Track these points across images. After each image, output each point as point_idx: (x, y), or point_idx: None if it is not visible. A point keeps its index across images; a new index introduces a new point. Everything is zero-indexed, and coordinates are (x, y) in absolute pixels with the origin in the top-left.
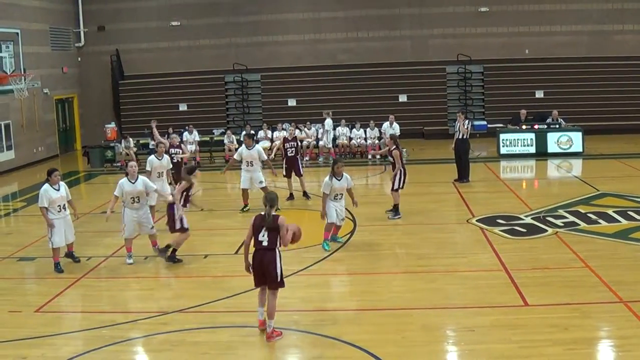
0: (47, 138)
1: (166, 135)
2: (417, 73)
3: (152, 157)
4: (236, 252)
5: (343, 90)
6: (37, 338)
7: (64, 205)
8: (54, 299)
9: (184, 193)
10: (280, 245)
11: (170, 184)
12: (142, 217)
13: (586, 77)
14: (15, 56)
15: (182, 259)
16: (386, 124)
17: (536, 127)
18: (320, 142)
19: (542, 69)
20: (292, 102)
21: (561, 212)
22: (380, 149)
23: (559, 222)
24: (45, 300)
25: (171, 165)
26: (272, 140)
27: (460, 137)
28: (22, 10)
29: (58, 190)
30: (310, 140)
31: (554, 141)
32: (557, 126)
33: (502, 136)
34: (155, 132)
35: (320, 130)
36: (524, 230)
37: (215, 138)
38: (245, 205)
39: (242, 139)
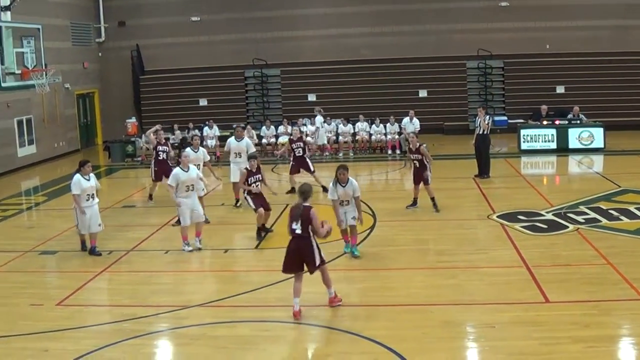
0: (68, 133)
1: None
2: (438, 68)
3: (188, 150)
4: (256, 247)
5: (362, 85)
6: (58, 331)
7: (93, 194)
8: (75, 292)
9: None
10: (312, 235)
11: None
12: (195, 205)
13: (607, 73)
14: (37, 51)
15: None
16: (406, 119)
17: (557, 122)
18: (310, 139)
19: (563, 64)
20: (312, 97)
21: (582, 208)
22: (400, 144)
23: (580, 218)
24: (66, 293)
25: (208, 157)
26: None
27: (480, 132)
28: (43, 5)
29: (88, 180)
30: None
31: (575, 137)
32: (578, 122)
33: (523, 132)
34: (152, 137)
35: (312, 127)
36: (545, 226)
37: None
38: (238, 200)
39: (261, 133)
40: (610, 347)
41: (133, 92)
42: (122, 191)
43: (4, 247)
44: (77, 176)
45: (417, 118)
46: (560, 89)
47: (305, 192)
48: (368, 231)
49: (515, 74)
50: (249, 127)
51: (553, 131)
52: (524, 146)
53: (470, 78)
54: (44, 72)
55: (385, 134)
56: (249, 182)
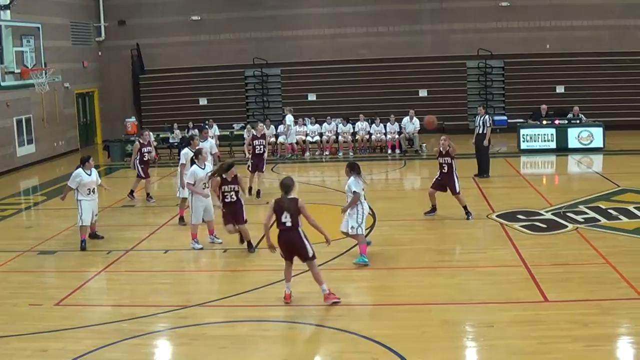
0: (68, 132)
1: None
2: (438, 68)
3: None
4: (255, 247)
5: (363, 84)
6: (57, 331)
7: (94, 189)
8: (74, 292)
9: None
10: (301, 225)
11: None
12: (208, 203)
13: (607, 73)
14: (36, 50)
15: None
16: (406, 119)
17: (557, 122)
18: (281, 139)
19: (563, 64)
20: (312, 97)
21: (582, 207)
22: (400, 144)
23: (579, 217)
24: (65, 293)
25: (215, 150)
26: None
27: (480, 132)
28: (43, 4)
29: (90, 175)
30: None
31: (575, 136)
32: (578, 121)
33: (523, 131)
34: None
35: (312, 127)
36: (544, 225)
37: (235, 132)
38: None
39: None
40: (609, 346)
41: (133, 92)
42: (122, 191)
43: (3, 246)
44: (79, 170)
45: (417, 117)
46: (560, 89)
47: (287, 185)
48: (368, 230)
49: (515, 73)
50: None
51: (553, 131)
52: (523, 146)
53: (471, 78)
54: (44, 71)
55: (385, 134)
56: (223, 192)
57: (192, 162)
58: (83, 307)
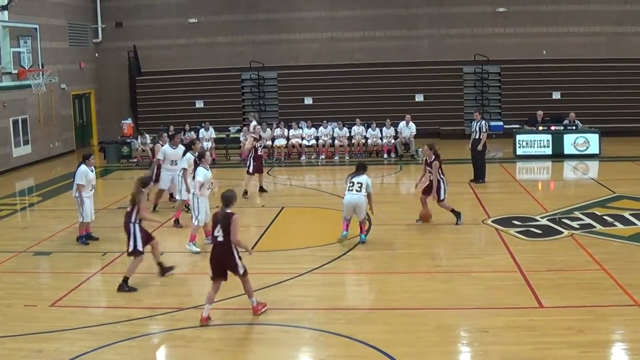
0: (64, 133)
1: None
2: (434, 73)
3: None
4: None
5: (359, 89)
6: (52, 332)
7: (94, 185)
8: (70, 293)
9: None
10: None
11: None
12: (208, 206)
13: (604, 79)
14: (33, 51)
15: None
16: (402, 124)
17: (553, 128)
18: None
19: (560, 70)
20: (308, 101)
21: (577, 214)
22: (395, 148)
23: (574, 224)
24: (60, 294)
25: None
26: (288, 139)
27: (476, 137)
28: (41, 5)
29: (92, 172)
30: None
31: (571, 143)
32: (574, 128)
33: (519, 137)
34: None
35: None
36: (540, 231)
37: (231, 135)
38: (156, 205)
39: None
40: (604, 352)
41: (129, 93)
42: (118, 192)
43: None
44: (84, 167)
45: (414, 122)
46: (556, 95)
47: (227, 197)
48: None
49: (512, 79)
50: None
51: (549, 137)
52: (519, 151)
53: (467, 83)
54: (41, 72)
55: (382, 138)
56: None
57: (196, 165)
58: (78, 308)
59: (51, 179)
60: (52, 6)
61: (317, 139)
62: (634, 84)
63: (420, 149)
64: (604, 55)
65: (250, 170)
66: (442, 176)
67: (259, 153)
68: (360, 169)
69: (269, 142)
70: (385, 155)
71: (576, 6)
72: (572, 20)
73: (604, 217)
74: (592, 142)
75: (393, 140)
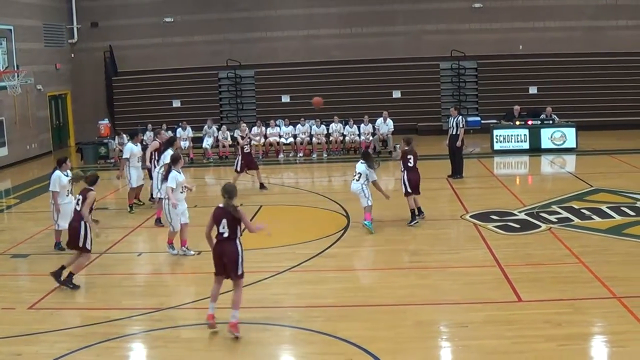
0: (41, 135)
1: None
2: (411, 69)
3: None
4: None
5: (337, 86)
6: (31, 335)
7: (71, 190)
8: (48, 295)
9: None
10: (239, 238)
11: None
12: (185, 210)
13: (580, 73)
14: (8, 53)
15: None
16: (380, 120)
17: (530, 123)
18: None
19: (536, 64)
20: (286, 99)
21: (555, 208)
22: (374, 145)
23: (552, 217)
24: (39, 297)
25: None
26: (265, 137)
27: (454, 133)
28: (16, 6)
29: (67, 176)
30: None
31: (548, 137)
32: (551, 122)
33: (496, 132)
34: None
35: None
36: (518, 226)
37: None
38: (132, 206)
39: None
40: (582, 345)
41: (106, 94)
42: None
43: None
44: (58, 172)
45: (391, 119)
46: (533, 90)
47: (230, 191)
48: (342, 232)
49: (489, 74)
50: (223, 128)
51: (526, 131)
52: (496, 146)
53: (444, 79)
54: (16, 74)
55: (359, 135)
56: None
57: (169, 168)
58: (57, 310)
59: (28, 180)
60: (26, 7)
61: (294, 136)
62: (610, 78)
63: (398, 145)
64: (580, 49)
65: (238, 168)
66: (403, 169)
67: (246, 151)
68: (362, 157)
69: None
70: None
71: (552, 1)
72: (548, 15)
73: (582, 210)
74: (569, 136)
75: (371, 137)
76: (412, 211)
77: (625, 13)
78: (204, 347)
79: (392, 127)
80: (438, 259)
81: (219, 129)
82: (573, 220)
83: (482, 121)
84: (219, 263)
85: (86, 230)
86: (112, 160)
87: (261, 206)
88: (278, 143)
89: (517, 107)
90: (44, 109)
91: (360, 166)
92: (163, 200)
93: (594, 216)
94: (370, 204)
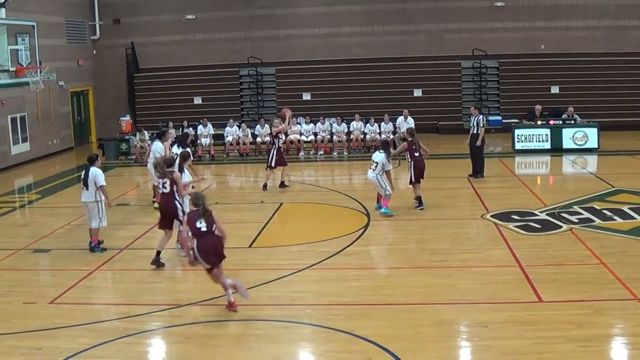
0: (62, 130)
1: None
2: (432, 68)
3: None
4: (250, 246)
5: (357, 84)
6: (52, 329)
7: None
8: (69, 290)
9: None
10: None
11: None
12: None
13: (602, 73)
14: (31, 49)
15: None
16: (400, 119)
17: (551, 122)
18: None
19: (558, 64)
20: (306, 96)
21: (576, 208)
22: (394, 143)
23: (573, 218)
24: (59, 291)
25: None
26: (286, 135)
27: (474, 132)
28: (38, 3)
29: None
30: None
31: (569, 137)
32: (573, 122)
33: (517, 132)
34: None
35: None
36: (539, 226)
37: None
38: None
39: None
40: (603, 346)
41: (127, 90)
42: (116, 189)
43: None
44: (98, 169)
45: (412, 117)
46: (554, 89)
47: (198, 198)
48: (362, 230)
49: (510, 73)
50: (243, 125)
51: (547, 131)
52: (518, 146)
53: (465, 78)
54: (38, 70)
55: (380, 133)
56: None
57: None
58: (77, 305)
59: (50, 176)
60: (49, 3)
61: (315, 134)
62: (632, 78)
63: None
64: (602, 49)
65: (273, 164)
66: (410, 159)
67: (279, 146)
68: (381, 146)
69: (267, 138)
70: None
71: (574, 0)
72: (570, 14)
73: (603, 211)
74: (590, 136)
75: (392, 136)
76: (419, 198)
77: None
78: (223, 344)
79: (413, 125)
80: (459, 259)
81: (239, 127)
82: (594, 221)
83: (504, 120)
84: (215, 255)
85: (182, 205)
86: (134, 157)
87: (282, 204)
88: (299, 141)
89: (538, 107)
90: (66, 105)
91: (379, 155)
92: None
93: (615, 217)
94: (388, 193)
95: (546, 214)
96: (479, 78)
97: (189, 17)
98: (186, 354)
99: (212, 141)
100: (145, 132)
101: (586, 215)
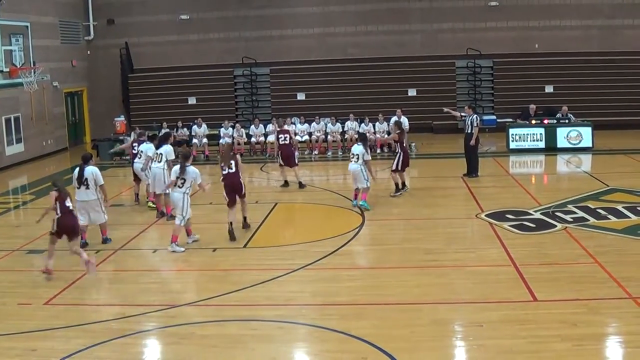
0: (57, 131)
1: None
2: (427, 67)
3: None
4: (245, 246)
5: (352, 84)
6: (47, 330)
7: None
8: (63, 291)
9: None
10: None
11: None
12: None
13: (596, 72)
14: (25, 49)
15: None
16: (394, 119)
17: (546, 122)
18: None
19: (552, 63)
20: (301, 96)
21: (570, 207)
22: (389, 143)
23: (568, 217)
24: (54, 292)
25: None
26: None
27: (468, 131)
28: (32, 3)
29: None
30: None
31: (564, 136)
32: (567, 121)
33: (512, 131)
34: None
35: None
36: (533, 225)
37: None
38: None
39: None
40: (597, 345)
41: (122, 90)
42: (110, 190)
43: None
44: (95, 167)
45: (406, 117)
46: (549, 89)
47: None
48: (357, 230)
49: (504, 73)
50: (237, 125)
51: (542, 130)
52: (512, 145)
53: (460, 77)
54: (32, 70)
55: (375, 133)
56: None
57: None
58: (72, 306)
59: (44, 177)
60: (43, 4)
61: (310, 134)
62: (627, 77)
63: (413, 144)
64: (596, 48)
65: (282, 162)
66: (402, 150)
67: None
68: (359, 139)
69: (262, 138)
70: (379, 150)
71: None
72: (564, 14)
73: (598, 210)
74: (585, 135)
75: (386, 135)
76: (397, 185)
77: None
78: (218, 344)
79: (407, 125)
80: (453, 258)
81: (233, 127)
82: (589, 220)
83: (498, 120)
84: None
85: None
86: (128, 157)
87: (276, 203)
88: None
89: (533, 106)
90: (60, 105)
91: (358, 147)
92: (182, 195)
93: (609, 216)
94: (368, 185)
95: (541, 213)
96: (473, 78)
97: (183, 17)
98: (181, 354)
99: (207, 141)
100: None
101: (581, 214)
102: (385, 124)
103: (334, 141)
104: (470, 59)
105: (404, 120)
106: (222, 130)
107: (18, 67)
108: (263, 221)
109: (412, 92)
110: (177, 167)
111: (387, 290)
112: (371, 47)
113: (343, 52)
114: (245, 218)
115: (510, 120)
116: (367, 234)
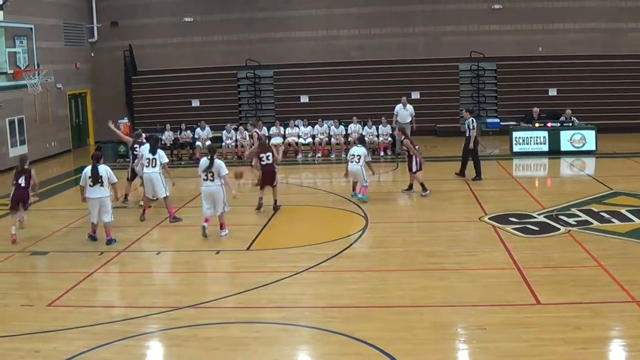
0: (60, 133)
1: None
2: (430, 70)
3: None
4: (248, 248)
5: (355, 87)
6: (50, 332)
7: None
8: (67, 293)
9: None
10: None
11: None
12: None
13: (600, 75)
14: (29, 51)
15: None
16: (399, 106)
17: (549, 125)
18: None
19: (556, 66)
20: (304, 99)
21: (574, 210)
22: (392, 146)
23: (571, 220)
24: (57, 294)
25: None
26: (284, 137)
27: (468, 135)
28: (36, 5)
29: None
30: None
31: (567, 139)
32: (570, 124)
33: (515, 134)
34: (117, 131)
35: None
36: (537, 228)
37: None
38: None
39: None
40: (601, 349)
41: (125, 93)
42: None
43: None
44: (107, 166)
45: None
46: (552, 92)
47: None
48: (360, 233)
49: (508, 76)
50: (241, 128)
51: (545, 133)
52: (515, 148)
53: (463, 80)
54: (36, 72)
55: (378, 136)
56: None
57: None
58: (75, 308)
59: (48, 178)
60: (47, 6)
61: (313, 137)
62: (630, 80)
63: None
64: (600, 51)
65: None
66: (416, 151)
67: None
68: (359, 142)
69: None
70: (382, 153)
71: (572, 2)
72: (568, 17)
73: (601, 213)
74: (588, 138)
75: (389, 138)
76: (422, 184)
77: None
78: (221, 346)
79: (413, 111)
80: (456, 261)
81: (236, 130)
82: (592, 223)
83: (502, 123)
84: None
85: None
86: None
87: (280, 206)
88: (297, 143)
89: (536, 109)
90: (64, 107)
91: (360, 149)
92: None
93: (613, 219)
94: (367, 184)
95: (544, 217)
96: (476, 80)
97: (187, 19)
98: (184, 357)
99: (210, 143)
100: (143, 134)
101: (584, 217)
102: (388, 126)
103: (337, 144)
104: (474, 62)
105: (410, 108)
106: (225, 133)
107: (22, 69)
108: (266, 224)
109: (415, 95)
110: (204, 159)
111: (389, 292)
112: (374, 50)
113: (346, 54)
114: (275, 201)
115: (514, 123)
116: (370, 236)
